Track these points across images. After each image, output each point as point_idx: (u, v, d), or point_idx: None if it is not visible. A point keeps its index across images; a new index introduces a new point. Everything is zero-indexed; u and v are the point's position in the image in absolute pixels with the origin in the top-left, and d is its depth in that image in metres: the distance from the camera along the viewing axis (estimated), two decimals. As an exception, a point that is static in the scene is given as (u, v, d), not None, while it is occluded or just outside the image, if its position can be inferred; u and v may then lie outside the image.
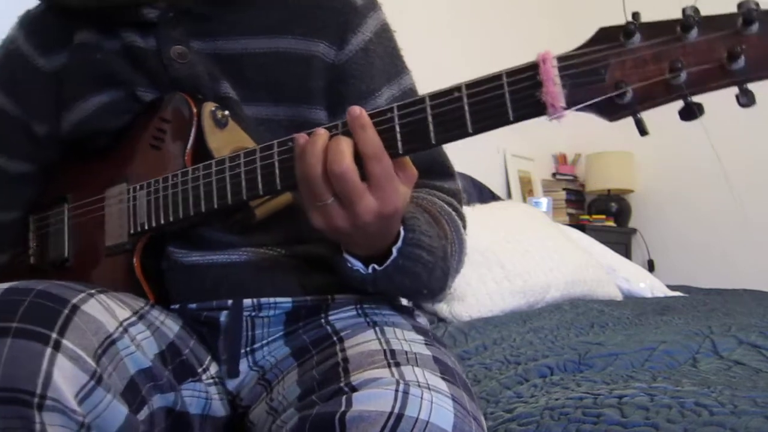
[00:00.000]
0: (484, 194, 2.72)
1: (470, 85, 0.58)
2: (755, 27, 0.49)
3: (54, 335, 0.56)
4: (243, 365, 0.77)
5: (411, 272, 0.68)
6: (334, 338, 0.72)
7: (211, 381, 0.75)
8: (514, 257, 1.86)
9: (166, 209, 0.75)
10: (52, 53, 0.87)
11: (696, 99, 0.52)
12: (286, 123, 0.62)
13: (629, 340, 1.17)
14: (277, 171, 0.66)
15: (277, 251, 0.78)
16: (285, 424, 0.58)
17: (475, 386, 0.97)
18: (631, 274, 2.40)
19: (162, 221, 0.75)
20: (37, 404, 0.53)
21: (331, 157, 0.60)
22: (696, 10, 0.50)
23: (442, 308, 1.72)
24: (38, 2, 0.89)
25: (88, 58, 0.83)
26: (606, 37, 0.53)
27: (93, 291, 0.65)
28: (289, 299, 0.77)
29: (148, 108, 0.81)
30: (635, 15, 0.52)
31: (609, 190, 3.56)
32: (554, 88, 0.54)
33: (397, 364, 0.60)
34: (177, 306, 0.78)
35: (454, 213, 0.80)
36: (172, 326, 0.75)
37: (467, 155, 2.99)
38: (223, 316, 0.77)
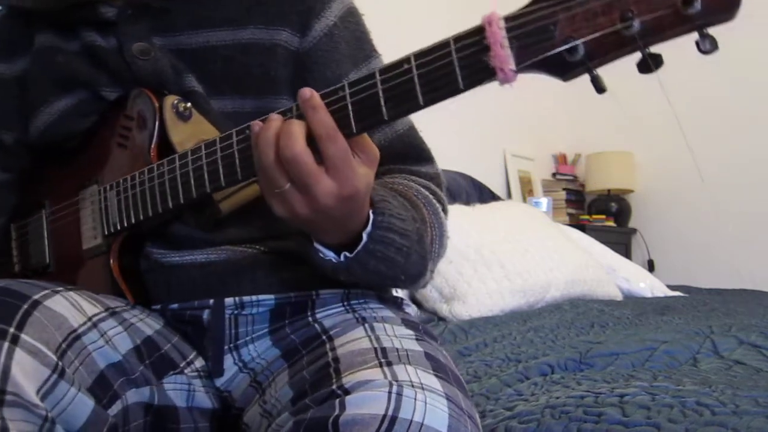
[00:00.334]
0: (484, 194, 2.71)
1: (419, 54, 0.55)
2: None
3: (12, 330, 0.56)
4: (228, 361, 0.77)
5: (385, 257, 0.66)
6: (324, 337, 0.71)
7: (195, 374, 0.75)
8: (514, 257, 1.86)
9: (136, 207, 0.74)
10: (13, 59, 0.87)
11: (656, 50, 0.48)
12: (253, 115, 0.62)
13: (630, 340, 1.17)
14: (237, 161, 0.65)
15: (255, 248, 0.78)
16: (280, 428, 0.58)
17: (475, 383, 0.97)
18: (631, 274, 2.40)
19: (133, 220, 0.75)
20: None
21: (283, 141, 0.58)
22: None
23: (442, 308, 1.72)
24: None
25: (49, 61, 0.83)
26: None
27: (60, 288, 0.65)
28: (272, 296, 0.76)
29: (113, 107, 0.81)
30: None
31: (609, 190, 3.56)
32: (502, 51, 0.51)
33: (389, 364, 0.60)
34: (158, 306, 0.78)
35: (432, 196, 0.78)
36: (152, 324, 0.75)
37: (467, 155, 3.01)
38: (206, 315, 0.76)
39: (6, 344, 0.55)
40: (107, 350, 0.64)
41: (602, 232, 3.26)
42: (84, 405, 0.58)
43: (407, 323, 0.73)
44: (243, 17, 0.78)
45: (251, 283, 0.76)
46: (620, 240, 3.48)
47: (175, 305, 0.77)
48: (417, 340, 0.68)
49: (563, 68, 0.51)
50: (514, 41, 0.51)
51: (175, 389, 0.72)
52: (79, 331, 0.62)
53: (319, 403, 0.56)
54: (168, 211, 0.72)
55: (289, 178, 0.60)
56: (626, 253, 3.45)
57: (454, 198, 2.43)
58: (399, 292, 0.87)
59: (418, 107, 0.56)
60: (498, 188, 3.06)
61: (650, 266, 3.48)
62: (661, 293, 2.37)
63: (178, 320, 0.78)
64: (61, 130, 0.83)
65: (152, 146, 0.75)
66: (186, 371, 0.74)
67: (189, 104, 0.76)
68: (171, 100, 0.75)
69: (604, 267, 2.25)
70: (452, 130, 2.83)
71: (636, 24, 0.48)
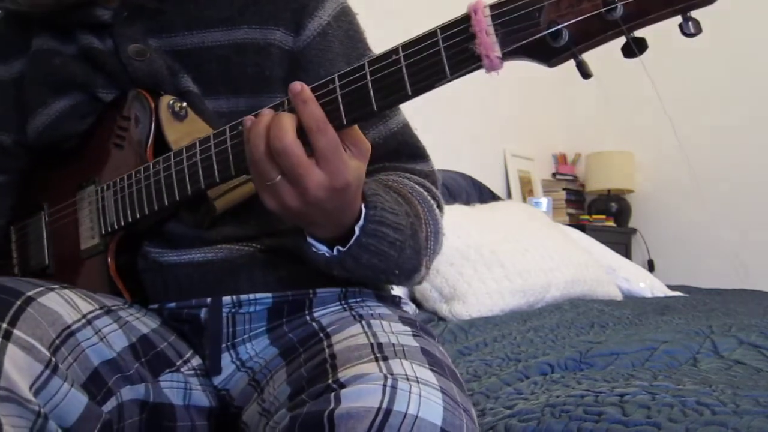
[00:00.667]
0: (484, 194, 2.71)
1: (407, 45, 0.56)
2: None
3: (4, 325, 0.56)
4: (225, 360, 0.77)
5: (378, 251, 0.66)
6: (321, 335, 0.72)
7: (192, 372, 0.75)
8: (514, 257, 1.86)
9: (132, 206, 0.75)
10: (10, 61, 0.87)
11: (639, 34, 0.49)
12: (248, 114, 0.62)
13: (630, 340, 1.17)
14: (230, 156, 0.66)
15: (252, 246, 0.78)
16: (277, 424, 0.58)
17: (474, 382, 0.97)
18: (631, 274, 2.40)
19: (129, 219, 0.75)
20: None
21: (273, 134, 0.59)
22: None
23: (442, 308, 1.72)
24: None
25: (46, 63, 0.83)
26: None
27: (55, 286, 0.65)
28: (269, 294, 0.76)
29: (109, 108, 0.81)
30: None
31: (609, 190, 3.56)
32: (487, 39, 0.52)
33: (385, 358, 0.60)
34: (156, 306, 0.78)
35: (426, 193, 0.78)
36: (149, 323, 0.75)
37: (467, 155, 3.01)
38: (203, 313, 0.76)
39: None
40: (101, 347, 0.65)
41: (602, 232, 3.26)
42: (77, 401, 0.59)
43: (404, 320, 0.73)
44: (237, 17, 0.79)
45: (248, 282, 0.77)
46: (620, 240, 3.48)
47: (173, 304, 0.78)
48: (413, 336, 0.68)
49: (548, 54, 0.51)
50: (499, 28, 0.52)
51: (171, 387, 0.72)
52: (73, 327, 0.62)
53: (315, 397, 0.56)
54: (164, 209, 0.73)
55: (280, 171, 0.60)
56: (626, 253, 3.44)
57: (454, 198, 2.43)
58: (397, 291, 0.87)
59: (406, 97, 0.57)
60: (498, 188, 3.06)
61: (650, 266, 3.48)
62: (661, 293, 2.37)
63: (175, 319, 0.78)
64: (58, 131, 0.83)
65: (148, 145, 0.76)
66: (182, 369, 0.74)
67: (184, 104, 0.76)
68: (167, 100, 0.76)
69: (604, 267, 2.25)
70: (452, 130, 2.83)
71: (619, 8, 0.48)
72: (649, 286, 2.39)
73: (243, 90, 0.79)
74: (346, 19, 0.83)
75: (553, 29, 0.50)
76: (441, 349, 0.70)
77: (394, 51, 0.57)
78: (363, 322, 0.70)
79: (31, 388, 0.55)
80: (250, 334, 0.77)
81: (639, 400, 0.77)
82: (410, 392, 0.54)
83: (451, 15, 0.55)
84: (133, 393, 0.67)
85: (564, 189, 3.61)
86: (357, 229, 0.65)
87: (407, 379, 0.55)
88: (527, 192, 3.37)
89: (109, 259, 0.77)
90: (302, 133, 0.59)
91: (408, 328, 0.70)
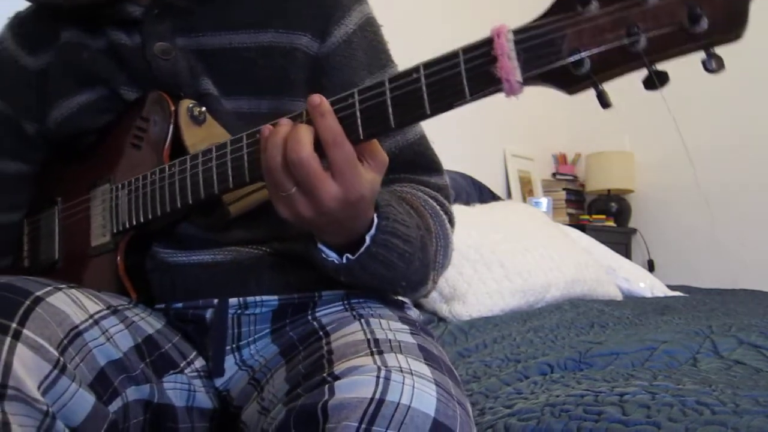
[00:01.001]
0: (484, 194, 2.71)
1: (428, 64, 0.56)
2: None
3: (14, 325, 0.56)
4: (229, 361, 0.77)
5: (386, 261, 0.67)
6: (320, 333, 0.72)
7: (195, 374, 0.75)
8: (514, 257, 1.86)
9: (145, 207, 0.75)
10: (38, 52, 0.88)
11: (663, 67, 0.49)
12: (269, 116, 0.62)
13: (629, 340, 1.17)
14: (245, 163, 0.66)
15: (261, 249, 0.78)
16: (274, 420, 0.58)
17: (474, 382, 0.97)
18: (631, 274, 2.40)
19: (141, 219, 0.76)
20: None
21: (290, 145, 0.59)
22: None
23: (442, 308, 1.72)
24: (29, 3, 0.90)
25: (74, 56, 0.84)
26: (563, 6, 0.51)
27: (62, 286, 0.65)
28: (275, 297, 0.77)
29: (129, 108, 0.82)
30: None
31: (609, 190, 3.56)
32: (508, 63, 0.52)
33: (380, 352, 0.60)
34: (162, 305, 0.78)
35: (438, 207, 0.79)
36: (154, 323, 0.75)
37: (467, 155, 3.01)
38: (209, 314, 0.77)
39: (8, 339, 0.55)
40: (108, 347, 0.65)
41: (602, 232, 3.26)
42: (84, 401, 0.59)
43: (404, 320, 0.74)
44: (264, 21, 0.80)
45: (256, 284, 0.77)
46: (620, 240, 3.48)
47: (179, 304, 0.78)
48: (411, 334, 0.69)
49: (569, 81, 0.51)
50: (522, 53, 0.52)
51: (174, 389, 0.72)
52: (81, 327, 0.62)
53: (310, 390, 0.56)
54: (176, 211, 0.73)
55: (295, 182, 0.60)
56: (626, 253, 3.44)
57: (454, 198, 2.43)
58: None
59: (425, 116, 0.57)
60: (498, 188, 3.06)
61: (650, 266, 3.48)
62: (661, 293, 2.37)
63: (181, 319, 0.78)
64: (77, 124, 0.84)
65: (165, 147, 0.77)
66: (186, 371, 0.75)
67: (203, 108, 0.77)
68: (186, 104, 0.77)
69: (604, 267, 2.25)
70: (452, 130, 2.83)
71: (642, 40, 0.48)
72: (649, 286, 2.39)
73: (265, 92, 0.80)
74: (371, 29, 0.84)
75: (576, 58, 0.50)
76: (439, 347, 0.70)
77: (416, 69, 0.57)
78: (362, 321, 0.71)
79: (39, 387, 0.55)
80: (255, 336, 0.77)
81: (639, 399, 0.77)
82: (403, 383, 0.54)
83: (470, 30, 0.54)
84: (138, 393, 0.67)
85: (564, 189, 3.61)
86: (368, 239, 0.65)
87: (401, 371, 0.56)
88: (527, 192, 3.37)
89: (118, 258, 0.78)
90: (319, 145, 0.59)
91: (406, 327, 0.71)
